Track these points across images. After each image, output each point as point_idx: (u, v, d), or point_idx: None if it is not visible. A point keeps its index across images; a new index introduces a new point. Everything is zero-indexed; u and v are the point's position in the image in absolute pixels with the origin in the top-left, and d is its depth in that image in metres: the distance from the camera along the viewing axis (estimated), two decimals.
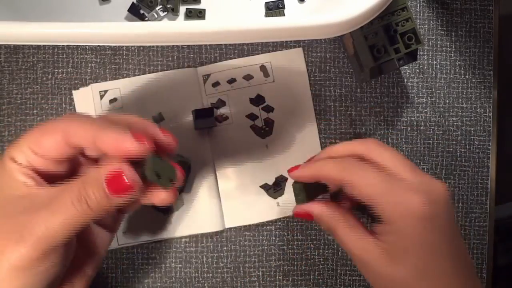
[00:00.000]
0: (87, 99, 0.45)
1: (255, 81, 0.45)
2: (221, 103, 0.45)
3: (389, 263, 0.32)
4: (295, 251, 0.45)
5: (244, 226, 0.45)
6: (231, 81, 0.45)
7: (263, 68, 0.46)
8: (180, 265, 0.45)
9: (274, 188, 0.45)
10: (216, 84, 0.45)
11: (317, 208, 0.37)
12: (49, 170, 0.30)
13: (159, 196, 0.31)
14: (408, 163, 0.35)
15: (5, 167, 0.29)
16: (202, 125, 0.44)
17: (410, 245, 0.32)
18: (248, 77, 0.45)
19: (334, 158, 0.37)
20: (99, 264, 0.33)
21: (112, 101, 0.45)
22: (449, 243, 0.33)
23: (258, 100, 0.45)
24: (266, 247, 0.45)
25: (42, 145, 0.29)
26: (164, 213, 0.44)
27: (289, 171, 0.38)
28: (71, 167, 0.32)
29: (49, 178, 0.30)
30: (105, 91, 0.45)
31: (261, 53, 0.46)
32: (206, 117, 0.43)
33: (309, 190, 0.38)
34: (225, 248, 0.45)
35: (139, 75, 0.45)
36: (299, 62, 0.46)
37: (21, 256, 0.26)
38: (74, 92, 0.45)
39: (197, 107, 0.44)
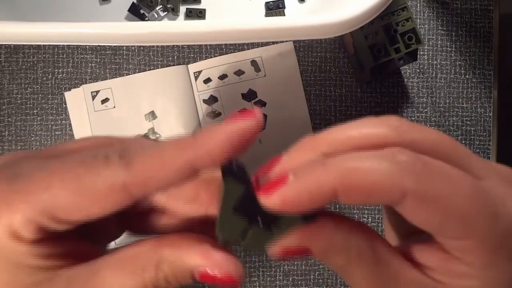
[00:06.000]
0: (79, 101, 0.45)
1: (246, 76, 0.45)
2: (213, 99, 0.45)
3: None
4: None
5: None
6: (223, 77, 0.45)
7: (254, 63, 0.46)
8: None
9: None
10: (207, 80, 0.45)
11: (321, 238, 0.21)
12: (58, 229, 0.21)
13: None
14: (461, 149, 0.21)
15: (2, 248, 0.20)
16: None
17: None
18: (239, 73, 0.45)
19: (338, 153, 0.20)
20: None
21: (104, 101, 0.45)
22: None
23: (250, 95, 0.45)
24: None
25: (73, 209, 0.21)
26: None
27: (265, 190, 0.21)
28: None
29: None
30: (97, 92, 0.45)
31: (252, 48, 0.46)
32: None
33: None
34: None
35: None
36: (290, 56, 0.46)
37: None
38: (65, 93, 0.45)
39: (190, 105, 0.44)
